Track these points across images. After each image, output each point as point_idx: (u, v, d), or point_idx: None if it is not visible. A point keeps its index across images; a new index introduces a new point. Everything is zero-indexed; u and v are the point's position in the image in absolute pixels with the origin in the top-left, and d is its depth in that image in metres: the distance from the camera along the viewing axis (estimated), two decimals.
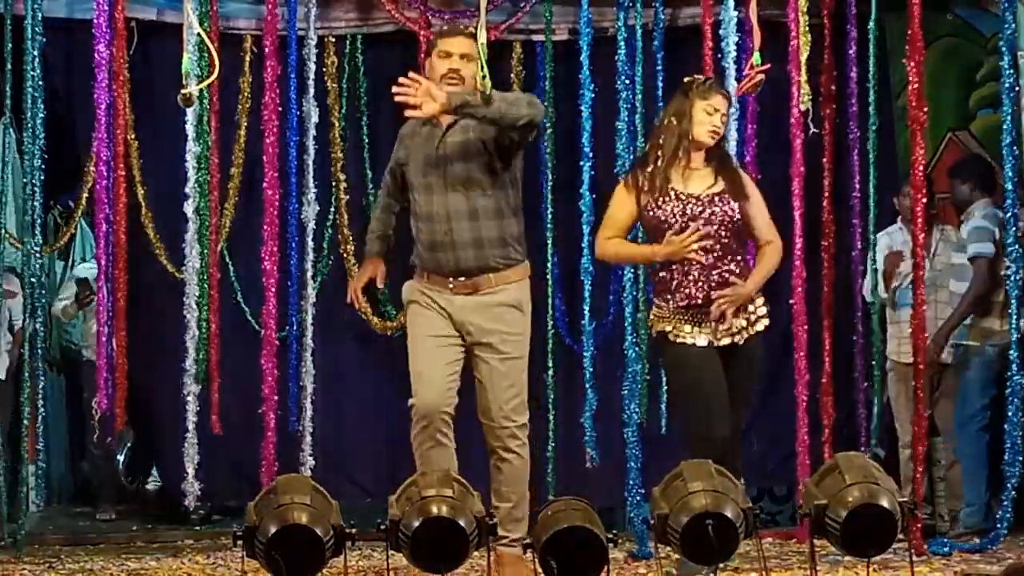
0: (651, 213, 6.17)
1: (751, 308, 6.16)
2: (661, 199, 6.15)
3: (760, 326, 6.17)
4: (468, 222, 6.10)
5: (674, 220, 6.12)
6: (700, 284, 6.12)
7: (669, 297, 6.17)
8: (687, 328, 6.13)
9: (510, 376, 6.15)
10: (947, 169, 8.11)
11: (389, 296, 8.64)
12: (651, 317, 6.28)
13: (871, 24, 7.63)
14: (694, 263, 6.10)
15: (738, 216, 6.15)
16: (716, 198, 6.13)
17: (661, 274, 6.21)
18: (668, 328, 6.16)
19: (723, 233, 6.12)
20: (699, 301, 6.11)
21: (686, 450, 6.02)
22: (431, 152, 6.15)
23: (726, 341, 6.12)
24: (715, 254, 6.11)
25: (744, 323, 6.14)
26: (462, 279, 6.12)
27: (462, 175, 6.11)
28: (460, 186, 6.10)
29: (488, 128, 6.02)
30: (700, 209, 6.12)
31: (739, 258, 6.17)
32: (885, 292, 7.89)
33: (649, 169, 6.22)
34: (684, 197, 6.14)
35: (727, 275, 6.11)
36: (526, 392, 6.24)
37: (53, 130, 7.80)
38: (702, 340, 6.11)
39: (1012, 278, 7.20)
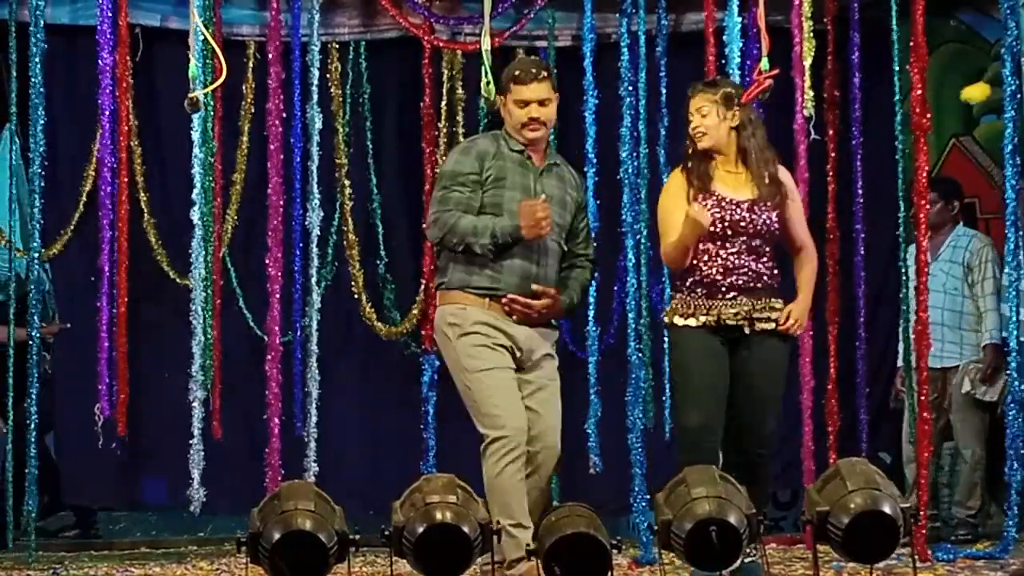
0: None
1: (772, 304, 6.09)
2: (703, 199, 6.11)
3: (773, 324, 6.08)
4: (556, 263, 6.12)
5: (712, 226, 6.08)
6: (723, 275, 6.07)
7: (679, 283, 6.19)
8: (690, 310, 6.11)
9: (559, 401, 6.12)
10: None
11: (394, 302, 8.67)
12: (668, 311, 6.29)
13: (894, 34, 7.66)
14: (718, 259, 6.08)
15: (776, 225, 6.12)
16: (755, 206, 6.09)
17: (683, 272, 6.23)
18: (676, 314, 6.15)
19: (758, 241, 6.09)
20: (710, 286, 6.08)
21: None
22: (530, 184, 6.08)
23: (731, 322, 6.06)
24: (745, 256, 6.08)
25: (762, 314, 6.08)
26: None
27: (558, 219, 6.10)
28: (555, 227, 6.08)
29: (573, 207, 6.16)
30: (739, 216, 6.08)
31: (768, 260, 6.12)
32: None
33: (689, 167, 6.23)
34: (726, 203, 6.10)
35: (753, 274, 6.08)
36: None
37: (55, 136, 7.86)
38: (701, 321, 6.08)
39: (1012, 288, 7.20)
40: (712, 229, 6.05)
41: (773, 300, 6.10)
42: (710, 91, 6.18)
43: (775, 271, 6.14)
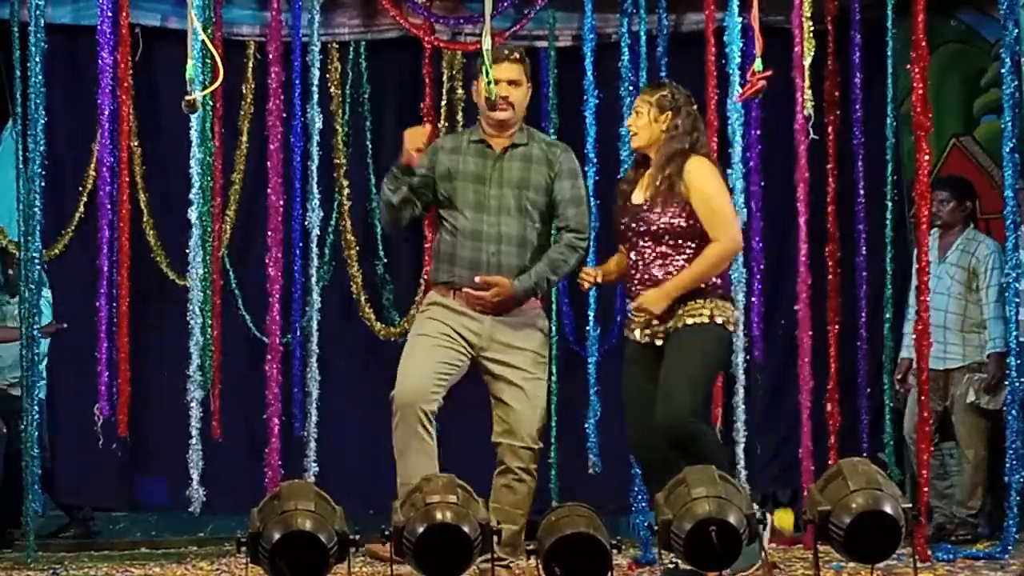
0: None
1: (679, 312, 6.05)
2: (621, 210, 6.24)
3: (686, 322, 6.05)
4: (516, 248, 6.12)
5: (623, 232, 6.19)
6: (632, 288, 6.17)
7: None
8: (631, 326, 6.21)
9: (536, 395, 6.16)
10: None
11: (393, 302, 8.67)
12: None
13: (889, 34, 7.67)
14: (632, 271, 6.18)
15: (666, 222, 6.06)
16: (645, 205, 6.12)
17: None
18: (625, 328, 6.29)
19: (649, 241, 6.10)
20: (629, 304, 6.18)
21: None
22: (484, 172, 6.14)
23: (646, 340, 6.12)
24: (644, 262, 6.12)
25: (664, 329, 6.08)
26: None
27: (517, 203, 6.14)
28: (515, 211, 6.13)
29: (543, 185, 6.17)
30: (631, 219, 6.16)
31: (673, 262, 6.08)
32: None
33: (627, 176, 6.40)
34: (630, 207, 6.18)
35: (650, 280, 6.09)
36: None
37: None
38: (634, 335, 6.18)
39: (1011, 287, 7.20)
40: (623, 235, 6.19)
41: (683, 307, 6.04)
42: (648, 93, 6.25)
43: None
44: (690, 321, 6.04)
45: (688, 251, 6.08)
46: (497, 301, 6.08)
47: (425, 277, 8.22)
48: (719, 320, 6.07)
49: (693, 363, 6.02)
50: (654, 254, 6.10)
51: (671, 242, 6.08)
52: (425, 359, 6.09)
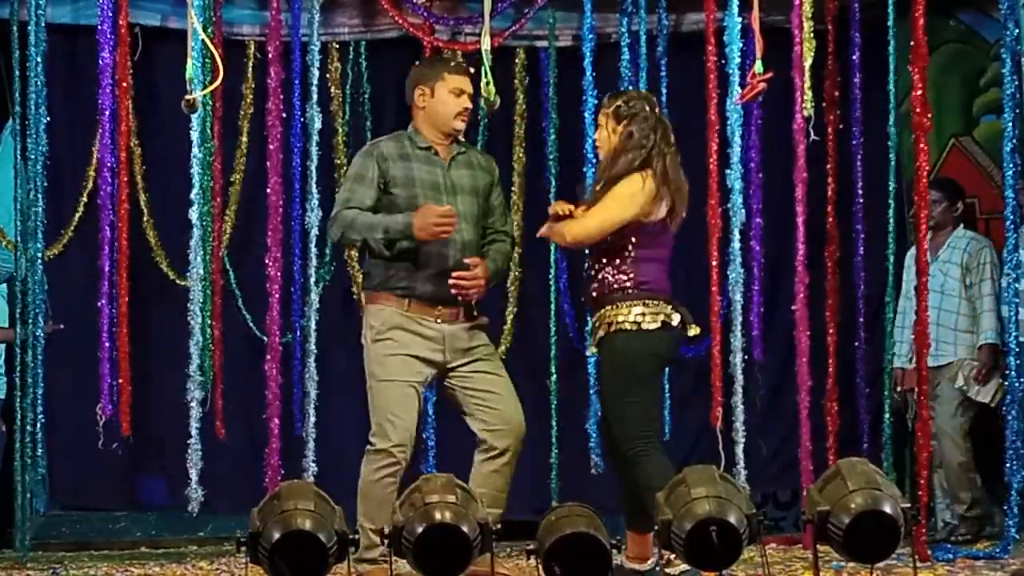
0: None
1: (605, 314, 6.08)
2: None
3: (606, 331, 6.07)
4: (474, 253, 6.17)
5: None
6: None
7: None
8: None
9: (510, 382, 6.22)
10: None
11: None
12: None
13: (891, 33, 7.67)
14: None
15: None
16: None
17: None
18: None
19: (595, 249, 6.14)
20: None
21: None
22: (438, 180, 6.16)
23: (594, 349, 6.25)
24: (593, 267, 6.15)
25: (598, 331, 6.13)
26: (453, 307, 6.15)
27: (474, 209, 6.19)
28: (471, 217, 6.17)
29: (487, 190, 6.28)
30: None
31: (603, 271, 6.07)
32: None
33: None
34: None
35: (595, 284, 6.12)
36: None
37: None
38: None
39: (1010, 287, 7.21)
40: None
41: (605, 309, 6.08)
42: (607, 104, 6.20)
43: (618, 279, 6.06)
44: (609, 329, 6.04)
45: (616, 260, 6.06)
46: (485, 279, 6.13)
47: None
48: (633, 323, 6.00)
49: (612, 390, 6.08)
50: (598, 260, 6.12)
51: (607, 248, 6.07)
52: (410, 409, 6.10)
